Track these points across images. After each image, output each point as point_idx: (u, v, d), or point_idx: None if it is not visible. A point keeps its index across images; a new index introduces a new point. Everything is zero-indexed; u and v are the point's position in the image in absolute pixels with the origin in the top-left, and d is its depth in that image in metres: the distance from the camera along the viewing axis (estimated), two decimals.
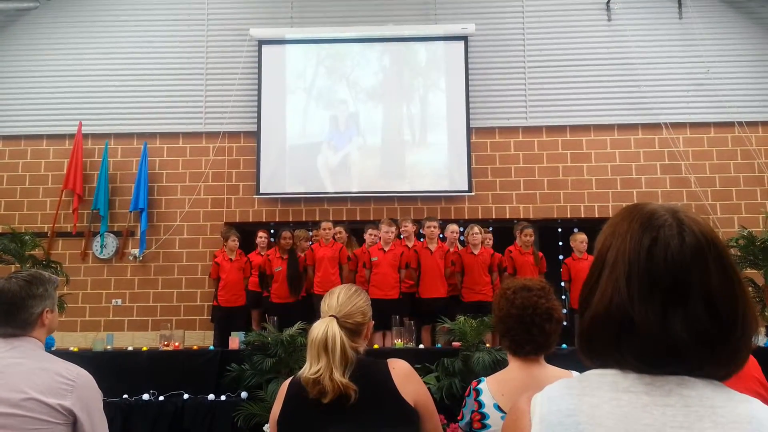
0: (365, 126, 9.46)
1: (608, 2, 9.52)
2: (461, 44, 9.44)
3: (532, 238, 7.91)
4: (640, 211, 1.05)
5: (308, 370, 1.95)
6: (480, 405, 2.20)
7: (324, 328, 1.99)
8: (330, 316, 2.04)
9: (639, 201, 8.55)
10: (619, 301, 0.99)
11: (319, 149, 9.38)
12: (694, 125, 9.34)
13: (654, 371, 0.98)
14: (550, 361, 2.28)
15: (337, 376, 1.91)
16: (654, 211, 1.04)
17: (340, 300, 2.09)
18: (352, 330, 2.05)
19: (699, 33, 9.37)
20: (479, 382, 2.28)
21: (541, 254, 7.94)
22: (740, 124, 9.18)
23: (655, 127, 9.31)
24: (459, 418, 2.31)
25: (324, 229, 7.92)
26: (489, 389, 2.22)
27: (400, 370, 2.05)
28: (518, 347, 2.23)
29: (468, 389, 2.30)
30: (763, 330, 6.76)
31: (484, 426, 2.16)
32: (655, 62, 9.41)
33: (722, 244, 1.01)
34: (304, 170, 9.35)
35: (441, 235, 8.00)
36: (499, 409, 2.16)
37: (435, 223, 7.85)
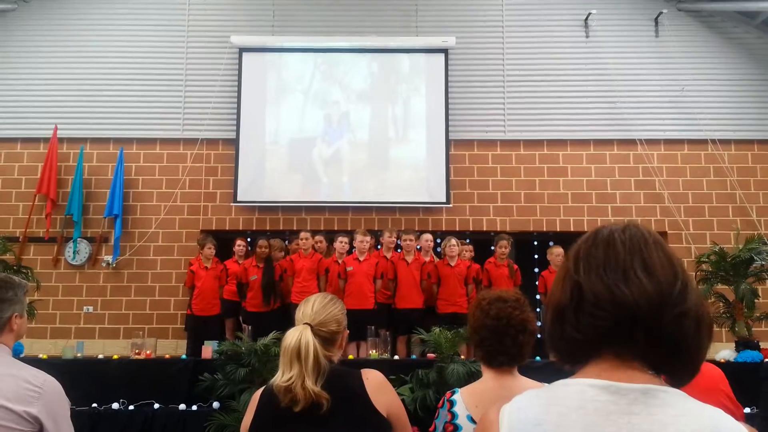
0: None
1: (586, 19, 9.66)
2: (442, 57, 9.52)
3: (507, 250, 7.96)
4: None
5: (280, 377, 1.94)
6: (453, 416, 2.19)
7: (297, 335, 1.97)
8: (304, 324, 2.03)
9: (613, 216, 8.62)
10: (569, 276, 1.09)
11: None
12: (669, 142, 9.50)
13: (608, 342, 1.03)
14: (524, 373, 2.29)
15: (309, 384, 1.89)
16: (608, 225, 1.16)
17: (314, 308, 2.08)
18: (326, 338, 2.03)
19: (674, 51, 9.55)
20: (453, 393, 2.28)
21: (516, 267, 8.00)
22: (713, 141, 9.35)
23: (630, 143, 9.44)
24: (431, 429, 2.30)
25: (302, 239, 7.90)
26: (463, 400, 2.22)
27: (373, 380, 2.04)
28: (492, 358, 2.24)
29: (441, 400, 2.30)
30: (732, 345, 6.87)
31: None
32: (632, 79, 9.57)
33: (662, 240, 1.11)
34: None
35: (418, 247, 8.03)
36: (472, 420, 2.15)
37: (412, 236, 7.91)
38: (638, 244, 1.07)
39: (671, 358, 1.02)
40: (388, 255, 7.93)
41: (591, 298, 1.03)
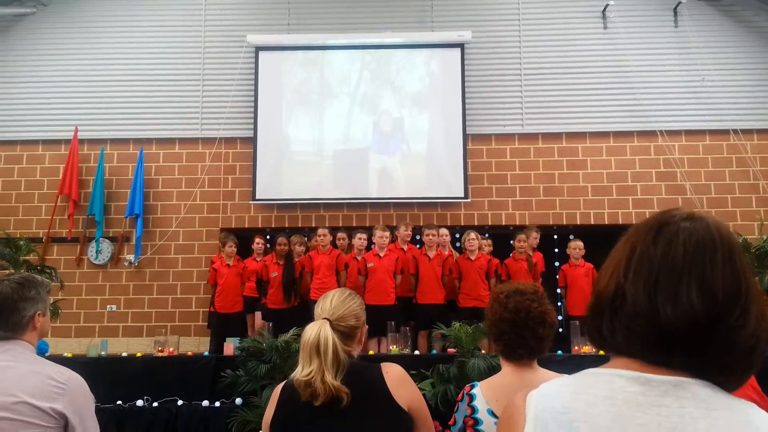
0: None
1: (604, 10, 9.56)
2: (458, 51, 9.48)
3: (526, 243, 7.91)
4: (665, 209, 1.08)
5: (300, 372, 1.95)
6: (473, 410, 2.19)
7: (317, 330, 1.98)
8: (323, 318, 2.03)
9: (634, 209, 8.51)
10: (617, 275, 1.02)
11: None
12: (690, 133, 9.37)
13: (644, 356, 0.99)
14: (546, 366, 2.27)
15: (329, 378, 1.89)
16: (677, 208, 1.07)
17: (333, 303, 2.08)
18: (345, 333, 2.04)
19: (694, 41, 9.42)
20: (472, 387, 2.27)
21: (535, 260, 7.91)
22: (735, 131, 9.21)
23: (650, 134, 9.33)
24: (451, 423, 2.30)
25: (320, 236, 7.93)
26: (482, 394, 2.21)
27: (393, 374, 2.04)
28: (511, 351, 2.23)
29: (461, 394, 2.29)
30: None
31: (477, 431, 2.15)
32: (651, 70, 9.45)
33: (738, 247, 1.00)
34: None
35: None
36: (492, 414, 2.14)
37: (434, 231, 7.88)
38: (703, 254, 0.98)
39: (713, 375, 0.97)
40: (404, 248, 7.93)
41: (631, 309, 0.99)
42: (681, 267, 0.97)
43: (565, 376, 1.09)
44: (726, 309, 0.95)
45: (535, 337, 2.18)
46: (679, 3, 9.45)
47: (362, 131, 9.54)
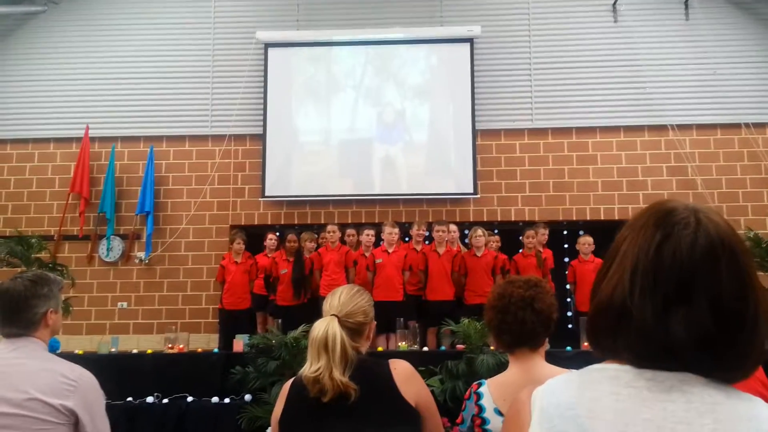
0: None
1: (614, 4, 9.50)
2: (467, 46, 9.45)
3: (534, 239, 7.87)
4: (662, 207, 1.04)
5: (308, 368, 1.96)
6: (480, 409, 2.18)
7: (324, 327, 1.99)
8: (331, 315, 2.04)
9: (646, 203, 8.51)
10: (621, 292, 0.98)
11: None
12: (701, 127, 9.30)
13: (650, 368, 0.98)
14: (553, 362, 2.26)
15: (337, 374, 1.90)
16: (674, 208, 1.02)
17: (341, 299, 2.09)
18: (353, 330, 2.04)
19: (706, 34, 9.34)
20: (480, 385, 2.25)
21: (544, 256, 7.87)
22: (747, 125, 9.13)
23: (661, 128, 9.27)
24: (458, 421, 2.29)
25: (329, 232, 7.94)
26: (489, 392, 2.20)
27: (401, 370, 2.04)
28: (497, 338, 2.26)
29: (468, 392, 2.28)
30: None
31: (485, 431, 2.14)
32: (662, 64, 9.38)
33: (741, 247, 0.98)
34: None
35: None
36: (499, 413, 2.13)
37: (444, 227, 7.86)
38: (710, 261, 0.95)
39: (719, 372, 0.96)
40: (418, 248, 7.92)
41: (639, 328, 0.96)
42: (689, 273, 0.95)
43: (571, 371, 1.09)
44: (738, 324, 0.94)
45: (516, 321, 2.15)
46: None
47: (367, 122, 9.54)
